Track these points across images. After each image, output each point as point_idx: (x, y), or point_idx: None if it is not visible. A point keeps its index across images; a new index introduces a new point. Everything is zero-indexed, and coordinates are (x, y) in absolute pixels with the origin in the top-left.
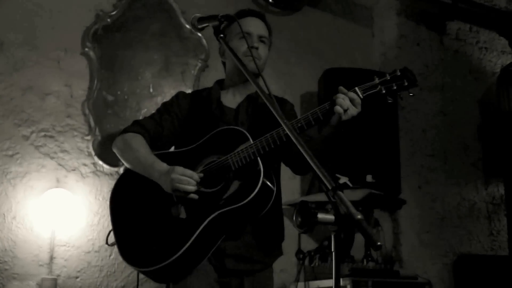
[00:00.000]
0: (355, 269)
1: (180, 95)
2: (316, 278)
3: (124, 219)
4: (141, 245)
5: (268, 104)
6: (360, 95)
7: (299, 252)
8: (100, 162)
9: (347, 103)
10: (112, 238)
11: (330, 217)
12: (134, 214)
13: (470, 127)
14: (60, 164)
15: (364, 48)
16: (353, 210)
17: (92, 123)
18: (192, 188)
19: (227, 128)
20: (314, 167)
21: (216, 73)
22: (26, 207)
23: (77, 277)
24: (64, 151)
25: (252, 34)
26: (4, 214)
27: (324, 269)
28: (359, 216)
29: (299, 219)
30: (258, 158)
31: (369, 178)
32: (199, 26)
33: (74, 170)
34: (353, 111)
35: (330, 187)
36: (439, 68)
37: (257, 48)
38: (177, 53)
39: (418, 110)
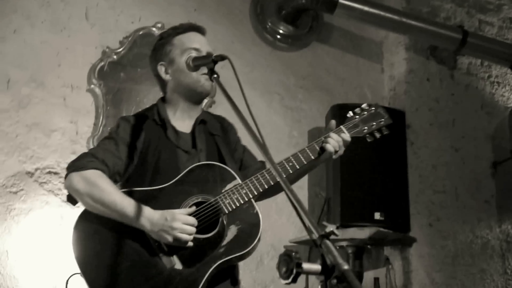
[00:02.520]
0: None
1: (130, 120)
2: None
3: (100, 273)
4: None
5: (258, 147)
6: (349, 138)
7: None
8: None
9: (341, 144)
10: None
11: (316, 267)
12: (112, 268)
13: (482, 163)
14: (64, 201)
15: (374, 83)
16: (340, 260)
17: None
18: (191, 237)
19: (206, 163)
20: (302, 216)
21: (223, 108)
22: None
23: None
24: None
25: (200, 51)
26: (7, 251)
27: None
28: (345, 267)
29: (284, 269)
30: (252, 200)
31: (377, 215)
32: (193, 65)
33: (78, 207)
34: (342, 152)
35: (317, 236)
36: (449, 103)
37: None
38: None
39: (428, 145)
